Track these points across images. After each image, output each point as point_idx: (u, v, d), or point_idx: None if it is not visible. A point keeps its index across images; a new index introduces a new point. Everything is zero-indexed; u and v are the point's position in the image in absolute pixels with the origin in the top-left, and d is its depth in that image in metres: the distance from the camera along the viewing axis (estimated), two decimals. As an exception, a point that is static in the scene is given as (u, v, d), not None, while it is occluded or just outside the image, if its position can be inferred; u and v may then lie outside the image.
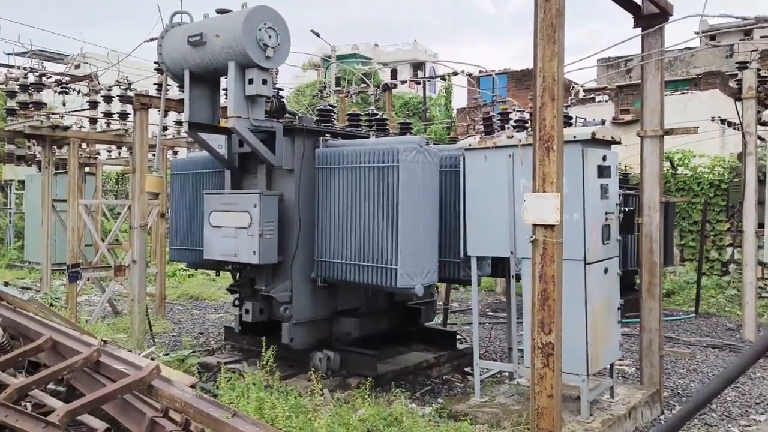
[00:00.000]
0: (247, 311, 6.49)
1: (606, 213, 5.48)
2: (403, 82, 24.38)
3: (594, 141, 5.29)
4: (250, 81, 5.89)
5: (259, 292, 6.50)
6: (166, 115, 7.80)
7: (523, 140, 5.45)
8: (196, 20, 6.38)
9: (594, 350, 5.23)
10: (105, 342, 4.94)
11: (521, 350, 5.75)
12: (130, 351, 5.13)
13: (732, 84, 20.65)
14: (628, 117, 20.30)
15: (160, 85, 8.57)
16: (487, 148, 5.66)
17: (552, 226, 4.54)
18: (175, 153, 15.54)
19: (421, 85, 33.82)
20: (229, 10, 6.13)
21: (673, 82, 24.40)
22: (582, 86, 22.30)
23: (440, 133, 24.43)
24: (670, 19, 6.40)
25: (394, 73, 41.29)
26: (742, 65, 10.02)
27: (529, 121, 5.63)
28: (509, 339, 6.40)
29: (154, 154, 12.86)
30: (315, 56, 30.74)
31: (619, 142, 5.74)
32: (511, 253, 5.59)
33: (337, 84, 21.29)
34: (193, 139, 6.84)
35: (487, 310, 12.08)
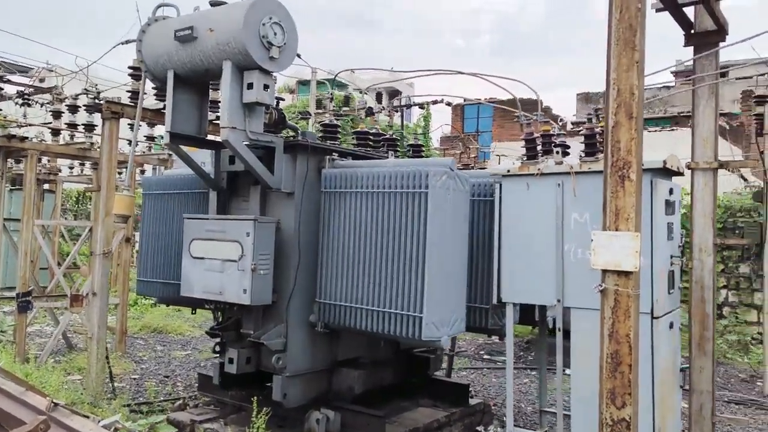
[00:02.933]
0: (230, 360, 5.41)
1: (671, 257, 4.63)
2: (383, 109, 23.69)
3: (664, 171, 4.46)
4: (249, 86, 4.92)
5: (247, 338, 5.44)
6: (140, 126, 6.77)
7: (576, 167, 4.59)
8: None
9: (661, 424, 4.33)
10: (55, 405, 3.84)
11: (554, 413, 4.83)
12: (87, 417, 4.02)
13: (722, 122, 20.45)
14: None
15: (134, 93, 7.54)
16: (531, 174, 4.79)
17: (628, 273, 3.66)
18: (143, 172, 14.36)
19: (399, 113, 33.23)
20: (225, 2, 5.19)
21: (654, 119, 24.26)
22: (564, 119, 21.87)
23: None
24: (727, 39, 5.70)
25: (378, 97, 40.75)
26: (762, 100, 9.44)
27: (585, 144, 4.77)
28: (543, 400, 5.47)
29: (120, 172, 11.70)
30: (292, 78, 29.90)
31: (683, 174, 4.93)
32: (558, 300, 4.68)
33: (318, 107, 20.40)
34: (174, 154, 5.81)
35: (482, 352, 11.13)
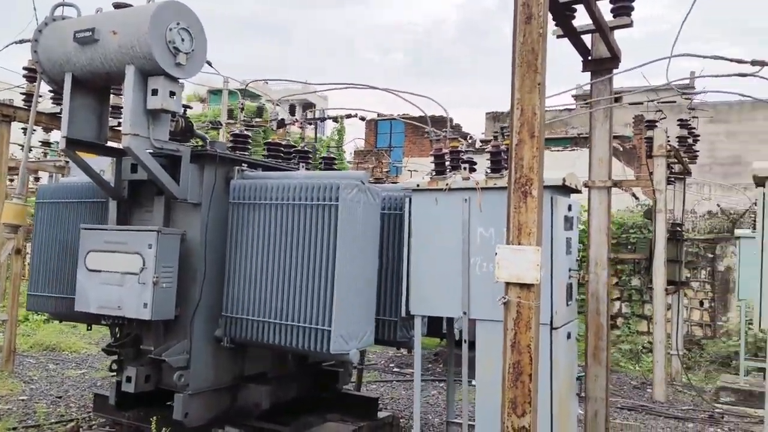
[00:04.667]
0: (128, 378, 5.15)
1: (570, 270, 4.86)
2: (296, 121, 23.55)
3: (563, 188, 4.68)
4: (154, 92, 4.74)
5: (147, 355, 5.21)
6: (34, 131, 6.36)
7: (482, 183, 4.74)
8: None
9: (560, 431, 4.50)
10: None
11: (459, 424, 4.93)
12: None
13: (615, 144, 21.74)
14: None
15: (28, 95, 7.10)
16: (439, 189, 4.89)
17: (530, 286, 3.79)
18: (37, 179, 13.53)
19: (312, 126, 33.13)
20: (130, 5, 4.99)
21: (555, 139, 25.46)
22: (473, 136, 22.56)
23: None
24: (620, 66, 6.09)
25: (292, 110, 40.43)
26: (651, 124, 10.16)
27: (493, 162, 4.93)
28: (450, 411, 5.57)
29: (11, 179, 10.94)
30: (203, 86, 29.17)
31: (581, 191, 5.19)
32: (464, 312, 4.79)
33: (229, 117, 19.99)
34: (70, 160, 5.50)
35: (392, 365, 11.20)
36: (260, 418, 5.54)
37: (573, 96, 34.99)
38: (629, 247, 14.26)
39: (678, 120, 10.47)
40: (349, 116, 16.36)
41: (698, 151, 11.08)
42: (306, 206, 4.78)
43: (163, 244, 4.88)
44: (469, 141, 20.09)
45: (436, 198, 4.89)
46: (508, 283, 3.83)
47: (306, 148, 6.26)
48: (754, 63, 4.32)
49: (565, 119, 30.76)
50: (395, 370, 10.78)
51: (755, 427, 7.97)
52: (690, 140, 10.54)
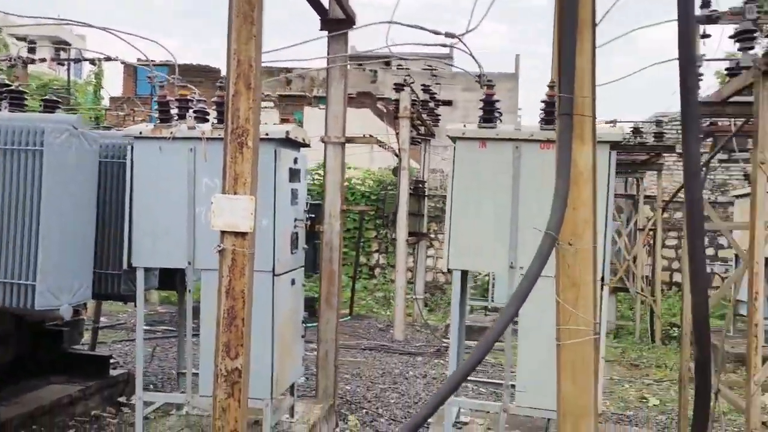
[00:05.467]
0: None
1: (295, 220, 5.08)
2: (43, 60, 20.91)
3: (288, 141, 4.84)
4: None
5: None
6: None
7: (208, 133, 4.70)
8: None
9: (280, 371, 4.76)
10: None
11: (196, 374, 4.98)
12: None
13: (380, 106, 22.92)
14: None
15: None
16: (163, 138, 4.75)
17: (244, 234, 3.91)
18: None
19: (66, 66, 29.60)
20: None
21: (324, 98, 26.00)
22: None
23: (87, 123, 21.64)
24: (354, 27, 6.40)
25: (32, 49, 35.61)
26: (400, 87, 10.87)
27: (217, 113, 4.88)
28: (180, 362, 5.56)
29: None
30: None
31: (309, 145, 5.42)
32: (189, 263, 4.78)
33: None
34: None
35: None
36: (-38, 386, 5.02)
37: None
38: (388, 202, 15.33)
39: (422, 85, 11.35)
40: (108, 58, 15.00)
41: (440, 115, 12.16)
42: (8, 151, 4.33)
43: None
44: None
45: (160, 146, 4.75)
46: (223, 232, 3.91)
47: (21, 89, 5.58)
48: (447, 35, 4.85)
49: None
50: (145, 327, 10.39)
51: (466, 355, 9.22)
52: (432, 104, 11.51)
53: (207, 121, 5.17)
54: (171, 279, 5.74)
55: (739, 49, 4.60)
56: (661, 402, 7.37)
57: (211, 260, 4.65)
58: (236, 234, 3.91)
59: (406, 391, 7.51)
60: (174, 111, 4.92)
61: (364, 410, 6.74)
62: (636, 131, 9.97)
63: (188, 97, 5.07)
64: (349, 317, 12.37)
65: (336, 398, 6.39)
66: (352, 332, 11.01)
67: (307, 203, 5.38)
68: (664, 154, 10.46)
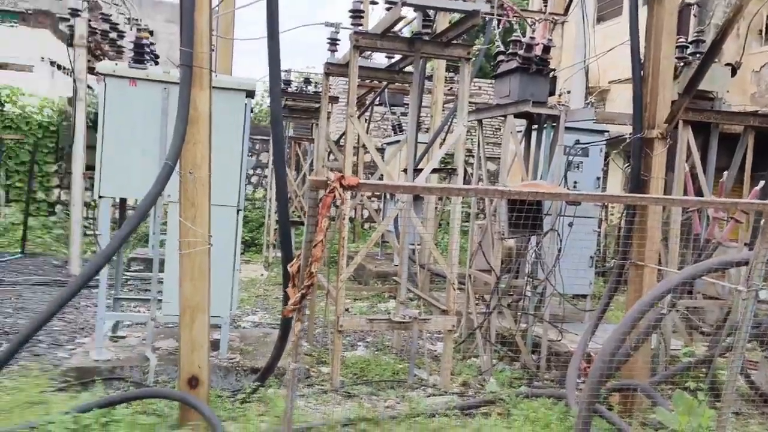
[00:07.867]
0: None
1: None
2: None
3: None
4: None
5: None
6: None
7: None
8: None
9: None
10: None
11: None
12: None
13: (63, 28, 20.88)
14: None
15: None
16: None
17: None
18: None
19: None
20: None
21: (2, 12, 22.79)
22: None
23: None
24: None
25: None
26: (75, 12, 10.29)
27: None
28: None
29: None
30: None
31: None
32: None
33: None
34: None
35: None
36: None
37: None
38: (63, 134, 14.35)
39: (100, 14, 10.93)
40: None
41: (124, 47, 11.85)
42: None
43: None
44: None
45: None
46: None
47: None
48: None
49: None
50: None
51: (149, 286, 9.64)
52: (114, 35, 11.15)
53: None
54: None
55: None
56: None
57: None
58: None
59: (74, 319, 7.71)
60: None
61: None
62: (307, 81, 11.19)
63: None
64: (20, 255, 11.68)
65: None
66: (23, 269, 10.54)
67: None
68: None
